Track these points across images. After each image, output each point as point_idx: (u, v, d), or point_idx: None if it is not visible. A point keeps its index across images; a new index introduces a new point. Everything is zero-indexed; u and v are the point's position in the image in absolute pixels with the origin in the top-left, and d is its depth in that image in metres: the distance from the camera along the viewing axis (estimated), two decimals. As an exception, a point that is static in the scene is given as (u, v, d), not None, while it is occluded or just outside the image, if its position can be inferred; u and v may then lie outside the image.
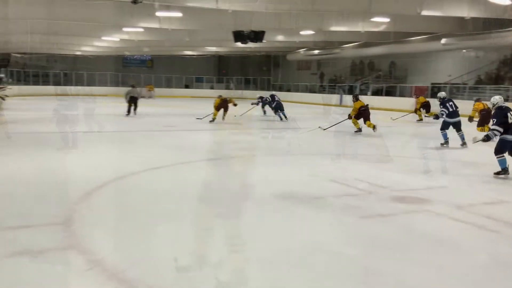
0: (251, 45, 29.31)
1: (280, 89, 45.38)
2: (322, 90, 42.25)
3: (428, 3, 20.67)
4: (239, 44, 29.46)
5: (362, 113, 15.80)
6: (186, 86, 49.97)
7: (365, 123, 15.72)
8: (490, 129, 8.71)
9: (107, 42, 34.65)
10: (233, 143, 13.06)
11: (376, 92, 35.86)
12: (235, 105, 18.62)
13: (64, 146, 10.78)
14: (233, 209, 6.33)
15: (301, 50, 42.76)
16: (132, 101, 19.99)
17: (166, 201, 6.64)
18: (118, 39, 32.80)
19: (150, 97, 38.75)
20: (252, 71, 51.60)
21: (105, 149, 11.24)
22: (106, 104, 25.72)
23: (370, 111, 16.01)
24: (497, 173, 8.56)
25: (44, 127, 14.12)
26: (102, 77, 45.96)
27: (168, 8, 22.40)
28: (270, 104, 20.90)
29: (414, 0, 20.52)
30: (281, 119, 20.02)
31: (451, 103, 12.81)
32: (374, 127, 15.33)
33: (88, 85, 42.12)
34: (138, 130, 15.77)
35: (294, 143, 13.24)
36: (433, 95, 22.19)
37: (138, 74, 48.17)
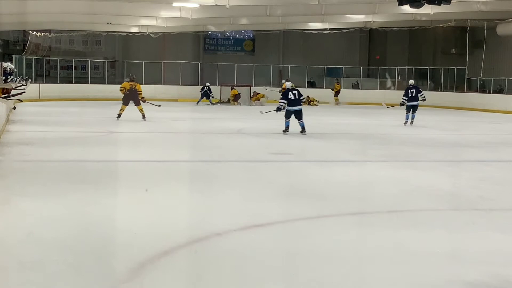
0: (427, 9, 21.82)
1: (483, 87, 29.16)
2: None
3: None
4: (406, 8, 20.67)
5: None
6: (310, 84, 32.28)
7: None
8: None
9: (180, 11, 23.61)
10: (394, 182, 8.37)
11: None
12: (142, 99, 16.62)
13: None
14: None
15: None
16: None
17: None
18: (197, 5, 22.20)
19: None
20: (428, 56, 33.99)
21: (177, 189, 8.25)
22: (177, 114, 20.50)
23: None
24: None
25: (82, 152, 11.27)
26: (171, 68, 31.23)
27: None
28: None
29: None
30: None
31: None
32: None
33: (147, 81, 27.64)
34: (230, 159, 11.39)
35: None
36: None
37: (229, 64, 32.21)
